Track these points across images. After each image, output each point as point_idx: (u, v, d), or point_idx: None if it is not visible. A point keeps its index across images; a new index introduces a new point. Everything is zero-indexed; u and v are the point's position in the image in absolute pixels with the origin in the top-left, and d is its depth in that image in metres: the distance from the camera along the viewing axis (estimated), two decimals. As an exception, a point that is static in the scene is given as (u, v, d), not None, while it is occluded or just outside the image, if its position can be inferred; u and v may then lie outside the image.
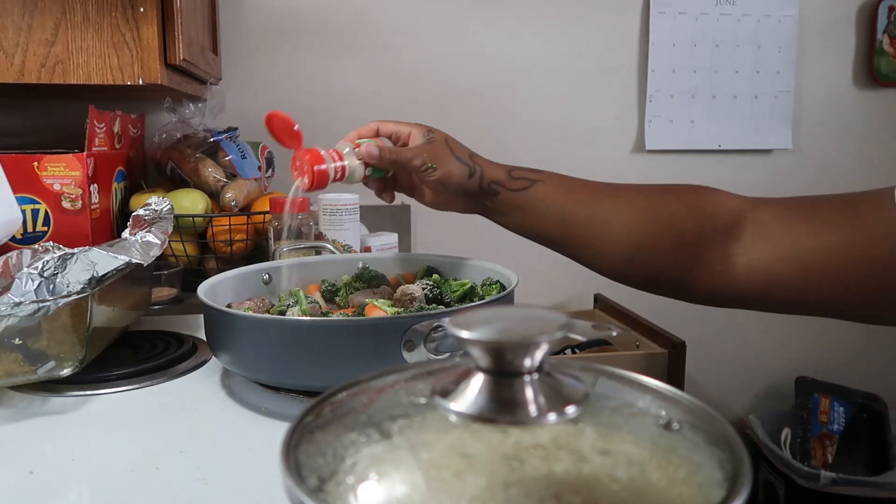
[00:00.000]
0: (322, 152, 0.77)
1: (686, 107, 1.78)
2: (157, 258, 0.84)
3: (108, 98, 1.41)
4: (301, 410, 0.31)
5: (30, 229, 1.05)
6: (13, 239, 1.00)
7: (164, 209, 0.93)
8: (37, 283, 0.70)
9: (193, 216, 1.23)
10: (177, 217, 1.13)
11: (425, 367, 0.35)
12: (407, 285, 0.83)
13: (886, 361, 1.97)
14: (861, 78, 1.87)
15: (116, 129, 1.23)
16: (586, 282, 1.72)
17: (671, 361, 1.40)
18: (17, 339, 0.67)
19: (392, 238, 1.35)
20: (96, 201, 1.10)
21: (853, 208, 0.62)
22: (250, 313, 0.76)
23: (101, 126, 1.15)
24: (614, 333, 0.33)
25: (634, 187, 0.74)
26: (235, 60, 1.56)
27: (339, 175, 0.77)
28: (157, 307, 1.10)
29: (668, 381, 0.33)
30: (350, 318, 0.75)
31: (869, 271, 0.60)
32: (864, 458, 1.68)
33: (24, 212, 1.00)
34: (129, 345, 0.90)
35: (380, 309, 0.78)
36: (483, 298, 0.80)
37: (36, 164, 1.04)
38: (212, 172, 1.29)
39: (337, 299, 0.87)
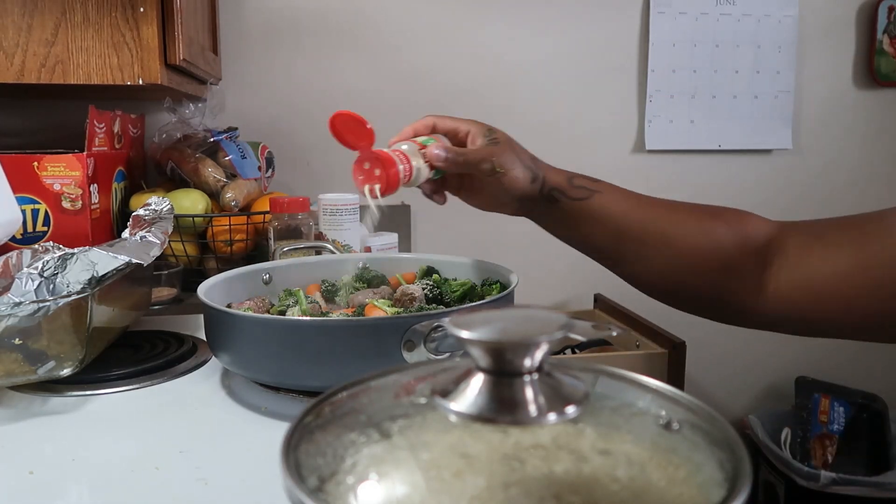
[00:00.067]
0: (393, 155, 0.70)
1: (686, 107, 1.78)
2: (157, 258, 0.84)
3: (108, 98, 1.41)
4: (301, 410, 0.31)
5: (30, 229, 1.05)
6: (13, 239, 1.00)
7: (164, 209, 0.93)
8: (37, 283, 0.70)
9: (193, 216, 1.23)
10: (177, 217, 1.13)
11: (425, 367, 0.35)
12: (407, 285, 0.83)
13: (886, 361, 1.97)
14: (861, 78, 1.87)
15: (116, 129, 1.23)
16: (586, 282, 1.73)
17: (671, 361, 1.40)
18: (17, 339, 0.67)
19: (392, 238, 1.35)
20: (96, 201, 1.10)
21: (859, 230, 0.63)
22: (250, 313, 0.76)
23: (101, 126, 1.15)
24: (614, 333, 0.33)
25: (685, 206, 0.73)
26: (235, 60, 1.56)
27: (407, 178, 0.71)
28: (157, 307, 1.10)
29: (668, 381, 0.33)
30: (350, 318, 0.75)
31: (876, 295, 0.60)
32: (864, 458, 1.68)
33: (24, 212, 1.00)
34: (129, 345, 0.90)
35: (380, 309, 0.78)
36: (483, 298, 0.80)
37: (36, 164, 1.04)
38: (212, 172, 1.29)
39: (337, 299, 0.87)
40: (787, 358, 1.93)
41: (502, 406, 0.28)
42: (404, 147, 0.73)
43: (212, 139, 1.35)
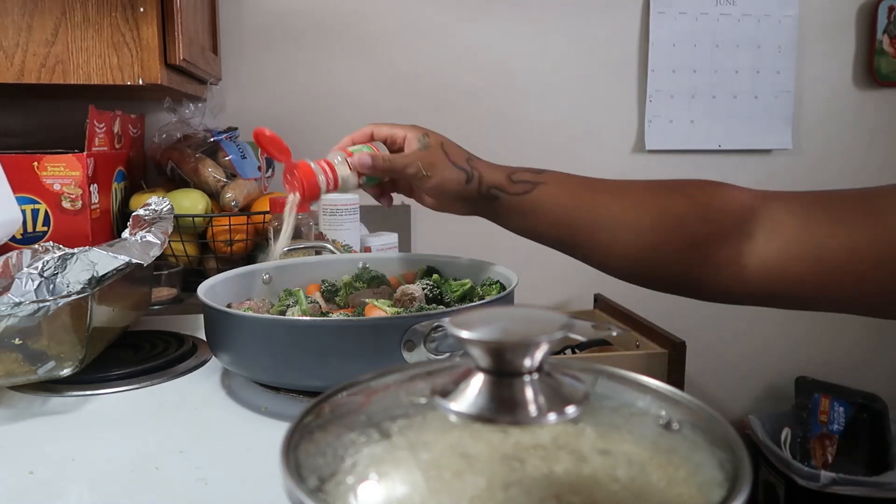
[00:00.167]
0: (312, 165, 0.77)
1: (686, 107, 1.78)
2: (157, 258, 0.85)
3: (108, 98, 1.41)
4: (301, 410, 0.31)
5: (30, 229, 1.05)
6: (13, 239, 1.00)
7: (164, 209, 0.93)
8: (37, 283, 0.70)
9: (193, 216, 1.23)
10: (177, 217, 1.13)
11: (425, 367, 0.35)
12: (407, 285, 0.83)
13: (886, 361, 1.97)
14: (861, 78, 1.87)
15: (116, 129, 1.23)
16: (586, 282, 1.73)
17: (671, 361, 1.40)
18: (17, 339, 0.68)
19: (392, 238, 1.35)
20: (96, 201, 1.10)
21: (872, 204, 0.61)
22: (250, 313, 0.76)
23: (101, 126, 1.15)
24: (614, 333, 0.33)
25: (641, 185, 0.71)
26: (235, 60, 1.56)
27: (331, 186, 0.77)
28: (157, 307, 1.10)
29: (668, 381, 0.33)
30: (350, 318, 0.75)
31: (890, 269, 0.58)
32: (864, 458, 1.68)
33: (24, 212, 1.00)
34: (129, 345, 0.90)
35: (380, 309, 0.78)
36: (483, 298, 0.80)
37: (36, 164, 1.04)
38: (212, 172, 1.30)
39: (337, 299, 0.87)
40: (787, 358, 1.93)
41: (502, 406, 0.28)
42: (337, 158, 0.78)
43: (212, 139, 1.35)
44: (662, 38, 1.74)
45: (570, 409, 0.28)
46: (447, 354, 0.66)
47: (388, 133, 0.79)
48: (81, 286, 0.71)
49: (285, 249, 1.00)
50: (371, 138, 0.80)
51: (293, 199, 0.77)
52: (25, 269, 0.70)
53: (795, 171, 1.86)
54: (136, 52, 1.04)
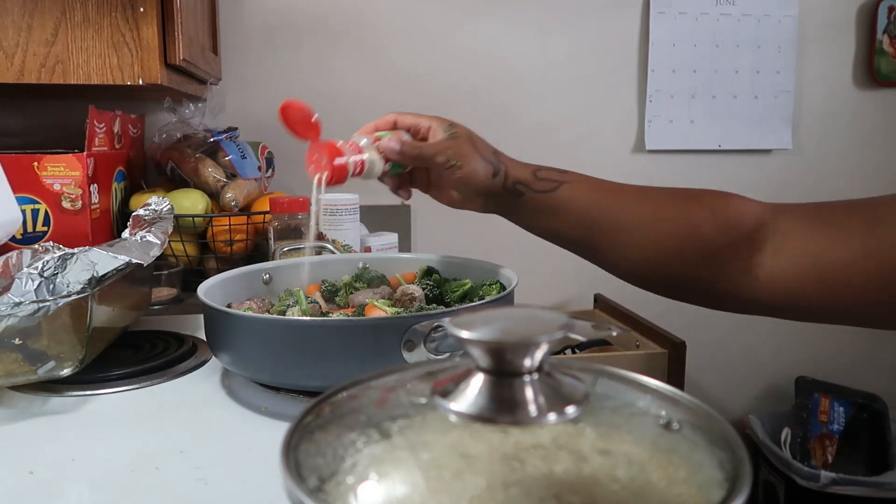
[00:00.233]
0: (340, 144, 0.73)
1: (686, 107, 1.78)
2: (157, 258, 0.85)
3: (108, 98, 1.41)
4: (301, 410, 0.31)
5: (30, 229, 1.05)
6: (13, 239, 1.00)
7: (164, 209, 0.93)
8: (37, 283, 0.70)
9: (193, 216, 1.23)
10: (177, 217, 1.13)
11: (425, 367, 0.35)
12: (407, 285, 0.83)
13: (886, 361, 1.97)
14: (861, 78, 1.87)
15: (116, 129, 1.23)
16: (586, 282, 1.73)
17: (671, 361, 1.40)
18: (17, 339, 0.67)
19: (392, 238, 1.35)
20: (96, 201, 1.10)
21: (871, 214, 0.61)
22: (250, 313, 0.76)
23: (101, 126, 1.15)
24: (614, 333, 0.33)
25: (661, 191, 0.72)
26: (235, 60, 1.56)
27: (358, 170, 0.73)
28: (157, 307, 1.10)
29: (668, 381, 0.33)
30: (350, 318, 0.75)
31: (888, 280, 0.58)
32: (864, 458, 1.68)
33: (24, 212, 1.00)
34: (129, 345, 0.90)
35: (380, 309, 0.78)
36: (483, 298, 0.80)
37: (36, 164, 1.04)
38: (212, 172, 1.30)
39: (337, 299, 0.87)
40: (787, 358, 1.93)
41: (502, 406, 0.28)
42: (362, 141, 0.74)
43: (212, 139, 1.35)
44: (662, 38, 1.74)
45: (570, 409, 0.28)
46: (447, 354, 0.66)
47: (412, 122, 0.76)
48: (81, 286, 0.71)
49: (285, 249, 1.00)
50: (394, 126, 0.77)
51: (319, 178, 0.72)
52: (25, 269, 0.71)
53: (795, 171, 1.86)
54: (136, 52, 1.04)
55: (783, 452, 1.72)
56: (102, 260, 0.73)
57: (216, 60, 1.48)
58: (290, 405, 0.72)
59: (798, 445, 1.75)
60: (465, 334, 0.28)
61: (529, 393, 0.28)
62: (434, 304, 0.80)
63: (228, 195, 1.28)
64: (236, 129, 1.41)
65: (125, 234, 0.86)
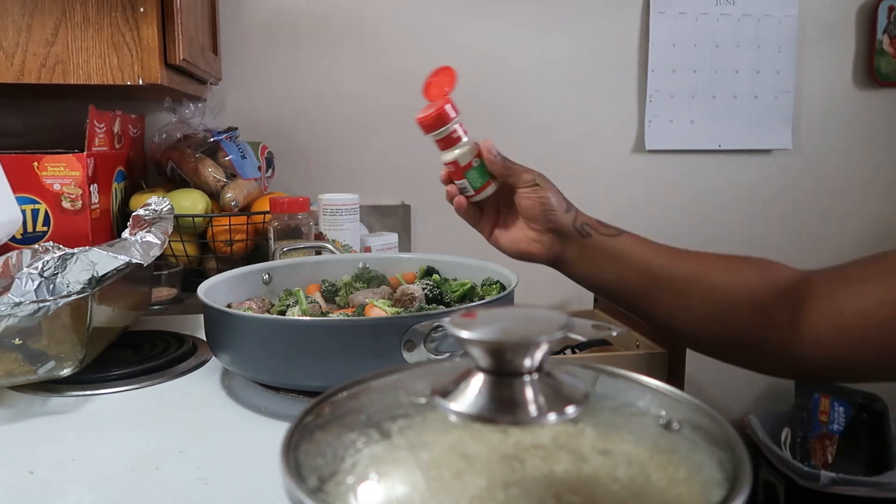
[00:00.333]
0: (454, 115, 0.80)
1: (686, 107, 1.78)
2: (157, 258, 0.85)
3: (108, 98, 1.41)
4: (301, 410, 0.31)
5: (30, 229, 1.05)
6: (13, 239, 1.00)
7: (164, 209, 0.93)
8: (37, 283, 0.70)
9: (193, 216, 1.23)
10: (177, 217, 1.13)
11: (425, 367, 0.35)
12: (407, 285, 0.83)
13: (886, 361, 1.97)
14: (861, 78, 1.87)
15: (116, 129, 1.23)
16: (586, 282, 1.72)
17: (671, 361, 1.40)
18: (17, 339, 0.68)
19: (392, 238, 1.35)
20: (96, 201, 1.10)
21: (881, 264, 0.62)
22: (250, 313, 0.76)
23: (101, 126, 1.15)
24: (614, 333, 0.33)
25: (711, 252, 0.74)
26: (235, 60, 1.56)
27: (455, 137, 0.79)
28: (157, 307, 1.10)
29: (668, 381, 0.33)
30: (350, 318, 0.75)
31: None
32: (864, 458, 1.68)
33: (24, 212, 1.00)
34: (129, 345, 0.90)
35: (380, 309, 0.78)
36: (483, 298, 0.80)
37: (36, 164, 1.04)
38: (212, 172, 1.30)
39: (337, 299, 0.87)
40: (787, 358, 1.93)
41: (502, 406, 0.28)
42: (466, 136, 0.80)
43: (212, 139, 1.35)
44: (662, 38, 1.74)
45: (570, 409, 0.28)
46: (447, 354, 0.66)
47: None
48: (81, 286, 0.71)
49: (285, 249, 1.00)
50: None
51: (448, 108, 0.81)
52: (25, 269, 0.71)
53: (795, 171, 1.86)
54: (136, 52, 1.04)
55: (783, 452, 1.72)
56: (102, 260, 0.73)
57: (216, 60, 1.48)
58: (290, 405, 0.72)
59: (798, 445, 1.75)
60: (465, 334, 0.28)
61: (529, 393, 0.28)
62: (434, 304, 0.80)
63: (228, 195, 1.28)
64: (236, 129, 1.41)
65: (125, 234, 0.86)
